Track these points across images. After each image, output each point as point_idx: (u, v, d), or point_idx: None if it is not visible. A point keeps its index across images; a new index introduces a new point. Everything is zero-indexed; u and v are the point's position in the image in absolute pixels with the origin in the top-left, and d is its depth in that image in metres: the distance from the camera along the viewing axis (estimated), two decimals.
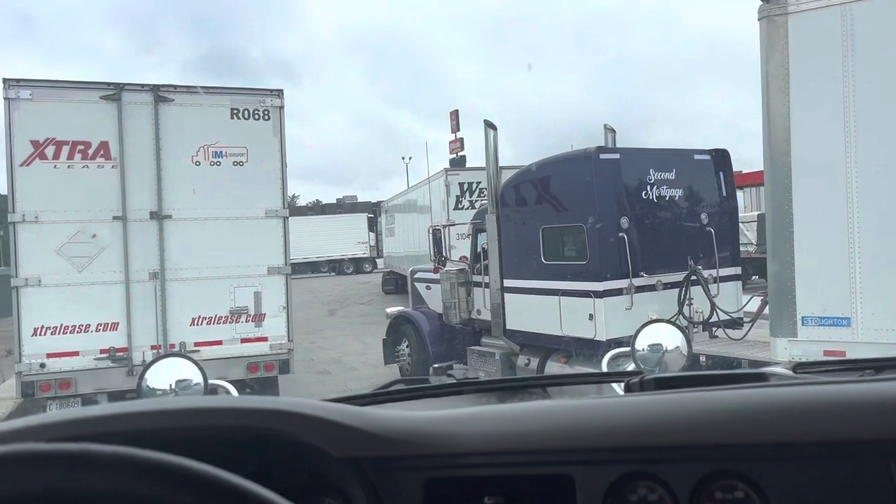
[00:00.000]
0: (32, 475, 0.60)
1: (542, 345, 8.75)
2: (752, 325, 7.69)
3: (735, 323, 8.06)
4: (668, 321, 3.48)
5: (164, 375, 2.55)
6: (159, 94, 8.21)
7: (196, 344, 8.15)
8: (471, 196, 17.74)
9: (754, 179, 21.01)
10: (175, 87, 8.38)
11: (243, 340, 8.43)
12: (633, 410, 1.06)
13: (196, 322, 8.29)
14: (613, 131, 10.09)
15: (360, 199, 57.58)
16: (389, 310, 12.28)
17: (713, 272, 8.31)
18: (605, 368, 3.22)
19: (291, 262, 9.03)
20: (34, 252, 7.73)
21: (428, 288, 11.57)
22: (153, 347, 8.00)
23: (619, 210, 7.96)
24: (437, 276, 10.78)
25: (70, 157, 7.86)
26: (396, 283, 25.58)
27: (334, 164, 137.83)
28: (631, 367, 2.89)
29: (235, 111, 8.46)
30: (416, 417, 1.08)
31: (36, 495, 0.59)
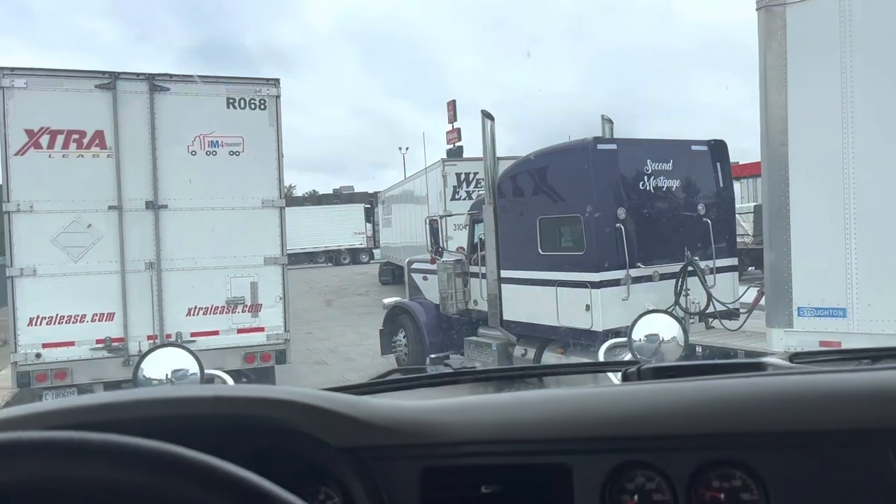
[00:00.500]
0: (27, 463, 0.59)
1: (539, 335, 8.76)
2: (748, 316, 7.71)
3: (731, 314, 8.08)
4: (665, 311, 3.49)
5: (161, 365, 2.55)
6: (155, 82, 8.17)
7: (192, 334, 8.15)
8: (468, 186, 17.71)
9: (751, 171, 21.03)
10: (171, 75, 8.33)
11: (240, 331, 8.43)
12: (630, 400, 1.06)
13: (192, 312, 8.28)
14: (611, 122, 10.08)
15: (357, 190, 57.45)
16: (386, 300, 12.28)
17: (710, 263, 8.33)
18: (602, 359, 3.23)
19: (288, 252, 9.01)
20: (29, 242, 7.70)
21: (425, 278, 11.57)
22: (149, 338, 7.99)
23: (616, 201, 7.96)
24: (434, 266, 10.78)
25: (65, 146, 7.82)
26: (393, 274, 25.58)
27: (331, 154, 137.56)
28: (628, 357, 2.90)
29: (232, 100, 8.41)
30: (413, 407, 1.08)
31: (32, 483, 0.59)
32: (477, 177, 16.82)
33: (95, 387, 7.87)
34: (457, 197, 17.48)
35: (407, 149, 49.17)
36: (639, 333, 2.81)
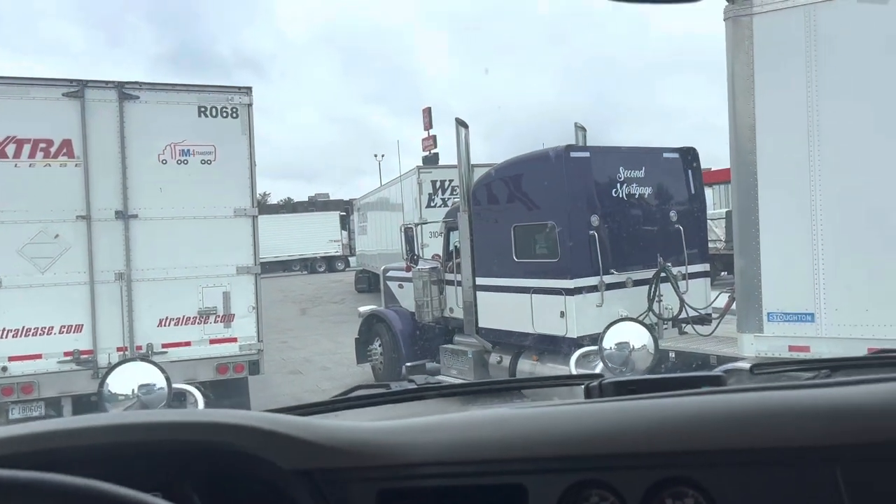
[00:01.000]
0: None
1: (515, 342, 8.79)
2: (719, 322, 7.81)
3: (703, 319, 8.18)
4: (635, 320, 3.52)
5: (127, 380, 2.50)
6: (124, 91, 8.06)
7: (164, 345, 8.02)
8: (443, 194, 17.74)
9: (723, 177, 21.29)
10: (140, 83, 8.23)
11: (212, 341, 8.32)
12: (585, 418, 1.06)
13: (163, 323, 8.15)
14: (584, 129, 10.16)
15: (332, 197, 57.31)
16: (362, 308, 12.23)
17: (682, 269, 8.42)
18: (572, 367, 3.25)
19: (262, 261, 8.92)
20: None
21: (400, 286, 11.55)
22: (119, 349, 7.85)
23: (590, 208, 8.02)
24: (409, 274, 10.76)
25: (31, 155, 7.67)
26: (369, 282, 25.50)
27: (306, 161, 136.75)
28: (600, 365, 2.91)
29: (203, 109, 8.33)
30: (368, 428, 1.07)
31: None
32: (452, 184, 16.86)
33: (64, 400, 7.73)
34: (432, 204, 17.50)
35: (382, 156, 49.09)
36: (609, 342, 2.84)
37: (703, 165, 9.45)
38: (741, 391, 1.09)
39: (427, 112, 28.18)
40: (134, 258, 8.03)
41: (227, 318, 8.39)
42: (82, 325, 7.83)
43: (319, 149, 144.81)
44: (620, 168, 8.32)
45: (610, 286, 7.94)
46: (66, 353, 7.73)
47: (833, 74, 5.90)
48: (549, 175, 8.18)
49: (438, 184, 17.99)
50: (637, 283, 8.14)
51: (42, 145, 7.71)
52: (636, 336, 2.88)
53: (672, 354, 7.52)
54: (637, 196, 8.43)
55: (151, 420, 1.05)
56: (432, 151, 26.56)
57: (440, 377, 9.46)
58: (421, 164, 21.47)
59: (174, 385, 2.56)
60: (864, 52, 5.78)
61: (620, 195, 8.28)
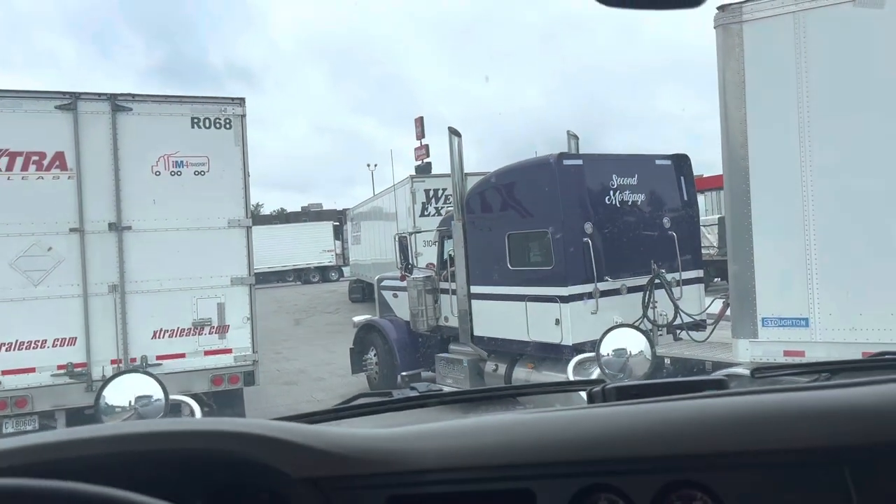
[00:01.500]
0: None
1: (510, 351, 8.78)
2: (714, 327, 7.83)
3: (698, 325, 8.20)
4: (632, 325, 3.52)
5: (124, 392, 2.48)
6: (117, 102, 8.05)
7: (158, 357, 7.98)
8: (437, 203, 17.73)
9: (715, 183, 21.43)
10: (133, 95, 8.22)
11: (207, 353, 8.28)
12: (592, 422, 1.06)
13: (158, 335, 8.12)
14: (577, 137, 10.20)
15: (325, 207, 57.13)
16: (356, 318, 12.19)
17: (676, 275, 8.45)
18: (570, 374, 3.24)
19: (256, 271, 8.90)
20: None
21: (395, 296, 11.52)
22: (113, 362, 7.81)
23: (583, 215, 8.05)
24: (403, 283, 10.74)
25: (24, 168, 7.65)
26: (363, 292, 25.41)
27: (299, 171, 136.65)
28: (596, 371, 2.91)
29: (196, 120, 8.33)
30: (375, 435, 1.07)
31: None
32: (446, 193, 16.87)
33: (57, 414, 7.67)
34: (426, 213, 17.49)
35: (375, 165, 49.05)
36: (607, 348, 2.84)
37: (696, 171, 9.50)
38: (746, 394, 1.10)
39: (419, 121, 28.20)
40: (127, 270, 8.00)
41: (222, 330, 8.36)
42: (76, 337, 7.79)
43: (312, 159, 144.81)
44: (613, 175, 8.36)
45: (604, 293, 7.96)
46: (59, 367, 7.69)
47: (822, 80, 5.95)
48: (543, 183, 8.20)
49: (432, 193, 17.99)
50: (631, 289, 8.15)
51: (35, 158, 7.69)
52: (633, 342, 2.88)
53: (668, 361, 7.53)
54: (630, 203, 8.46)
55: (157, 429, 1.04)
56: (425, 161, 26.55)
57: (436, 386, 9.43)
58: (414, 173, 21.47)
59: (171, 396, 2.55)
60: (853, 58, 5.84)
61: (614, 202, 8.31)
